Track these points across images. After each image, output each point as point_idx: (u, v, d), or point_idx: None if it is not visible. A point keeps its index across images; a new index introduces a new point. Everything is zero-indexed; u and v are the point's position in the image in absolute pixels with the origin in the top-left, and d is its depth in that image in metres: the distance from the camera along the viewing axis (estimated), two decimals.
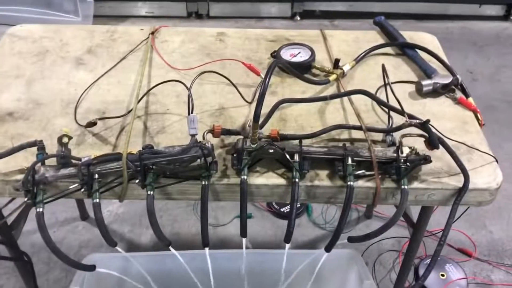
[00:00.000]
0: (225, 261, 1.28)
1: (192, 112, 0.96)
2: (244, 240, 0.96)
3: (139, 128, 1.04)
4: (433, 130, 0.95)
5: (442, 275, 1.65)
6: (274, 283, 1.19)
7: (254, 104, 1.10)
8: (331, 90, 1.17)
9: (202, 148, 0.92)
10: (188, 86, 0.99)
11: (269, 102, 1.11)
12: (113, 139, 1.02)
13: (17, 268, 1.28)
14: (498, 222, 1.89)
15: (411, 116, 0.97)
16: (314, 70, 1.21)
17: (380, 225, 0.93)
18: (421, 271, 1.66)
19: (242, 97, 1.11)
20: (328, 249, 0.96)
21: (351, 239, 0.97)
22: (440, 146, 0.94)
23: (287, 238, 0.94)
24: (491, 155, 1.00)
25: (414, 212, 1.18)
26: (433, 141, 0.93)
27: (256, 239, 1.82)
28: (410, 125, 0.95)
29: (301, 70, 1.20)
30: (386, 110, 1.07)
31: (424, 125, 0.93)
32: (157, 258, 1.33)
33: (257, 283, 1.26)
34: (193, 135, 0.95)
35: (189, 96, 0.97)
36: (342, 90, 1.15)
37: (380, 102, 0.99)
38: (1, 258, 1.16)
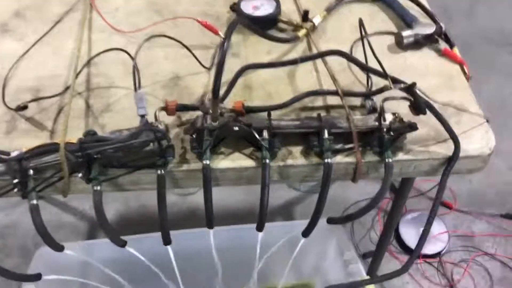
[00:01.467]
0: (193, 240, 1.17)
1: (139, 88, 0.82)
2: (211, 232, 0.85)
3: (80, 108, 0.89)
4: (418, 92, 0.83)
5: None
6: (249, 259, 1.10)
7: (213, 70, 0.96)
8: (300, 47, 1.03)
9: (154, 131, 0.78)
10: (133, 55, 0.84)
11: (230, 66, 0.96)
12: (50, 123, 0.86)
13: None
14: None
15: (394, 79, 0.84)
16: (280, 24, 1.06)
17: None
18: (401, 229, 1.61)
19: (200, 62, 0.96)
20: (305, 234, 0.86)
21: (330, 220, 0.87)
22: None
23: (260, 226, 0.83)
24: (482, 116, 0.89)
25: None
26: (420, 107, 0.81)
27: (225, 206, 1.72)
28: (392, 89, 0.83)
29: (266, 25, 1.05)
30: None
31: (409, 90, 0.80)
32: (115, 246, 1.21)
33: (229, 261, 1.17)
34: (142, 116, 0.81)
35: (135, 68, 0.82)
36: (313, 48, 1.01)
37: (359, 64, 0.86)
38: None
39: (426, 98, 0.84)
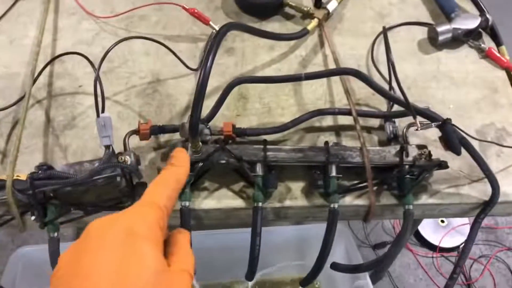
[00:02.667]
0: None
1: (103, 111, 0.66)
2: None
3: (38, 123, 0.73)
4: (454, 125, 0.66)
5: (442, 221, 1.46)
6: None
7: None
8: (310, 42, 0.84)
9: (121, 167, 0.63)
10: (95, 61, 0.67)
11: (223, 67, 0.80)
12: (2, 142, 0.72)
13: None
14: None
15: (422, 113, 0.66)
16: (287, 9, 0.87)
17: None
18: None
19: (185, 64, 0.78)
20: (304, 284, 0.73)
21: (335, 267, 0.73)
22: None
23: (250, 276, 0.70)
24: None
25: None
26: (454, 147, 0.64)
27: None
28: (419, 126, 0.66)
29: (270, 11, 0.86)
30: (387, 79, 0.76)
31: (443, 127, 0.63)
32: None
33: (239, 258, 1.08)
34: (107, 147, 0.65)
35: (97, 83, 0.65)
36: (326, 43, 0.83)
37: (377, 90, 0.67)
38: None
39: (463, 133, 0.67)
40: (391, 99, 0.70)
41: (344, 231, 1.12)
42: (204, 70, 0.57)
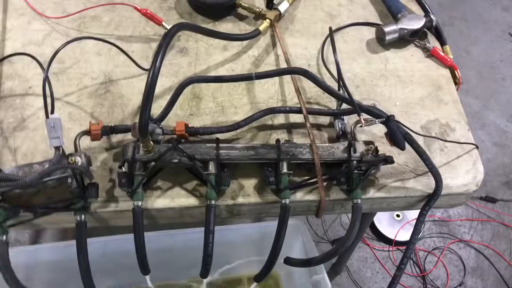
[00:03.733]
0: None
1: (52, 112, 0.65)
2: (147, 278, 0.72)
3: None
4: (398, 122, 0.69)
5: (398, 216, 1.51)
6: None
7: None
8: (263, 42, 0.85)
9: (72, 168, 0.63)
10: (46, 62, 0.66)
11: (176, 67, 0.80)
12: None
13: None
14: None
15: (368, 111, 0.68)
16: (240, 10, 0.88)
17: None
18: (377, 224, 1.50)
19: (138, 65, 0.79)
20: (258, 279, 0.74)
21: (288, 262, 0.75)
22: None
23: (204, 274, 0.70)
24: (471, 143, 0.76)
25: None
26: (398, 142, 0.67)
27: None
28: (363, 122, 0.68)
29: (223, 12, 0.87)
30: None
31: (387, 123, 0.66)
32: (63, 247, 1.09)
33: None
34: (57, 148, 0.65)
35: (45, 84, 0.65)
36: (278, 43, 0.84)
37: (324, 89, 0.69)
38: None
39: (406, 128, 0.70)
40: (338, 98, 0.72)
41: (301, 226, 1.14)
42: (153, 69, 0.58)
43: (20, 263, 1.06)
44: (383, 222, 1.49)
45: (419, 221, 0.73)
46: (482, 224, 1.55)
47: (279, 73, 0.75)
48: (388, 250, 1.47)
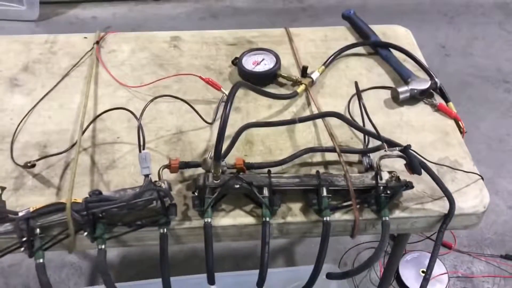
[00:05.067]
0: (197, 286, 1.19)
1: (143, 148, 0.85)
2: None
3: (85, 164, 0.92)
4: (414, 151, 0.86)
5: (423, 272, 1.60)
6: None
7: (215, 125, 1.00)
8: (299, 102, 1.06)
9: (158, 190, 0.80)
10: (138, 115, 0.87)
11: (232, 121, 1.00)
12: (57, 179, 0.89)
13: None
14: None
15: (389, 142, 0.87)
16: (280, 79, 1.10)
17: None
18: (401, 269, 1.61)
19: (202, 118, 0.99)
20: None
21: (330, 276, 0.89)
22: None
23: (260, 283, 0.84)
24: (477, 174, 0.92)
25: None
26: (415, 168, 0.84)
27: (228, 244, 1.72)
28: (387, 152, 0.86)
29: (266, 80, 1.09)
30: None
31: (405, 152, 0.83)
32: None
33: None
34: (146, 175, 0.83)
35: (140, 128, 0.85)
36: (312, 103, 1.05)
37: (354, 126, 0.89)
38: None
39: (421, 158, 0.87)
40: (366, 133, 0.90)
41: (335, 269, 1.26)
42: (225, 110, 0.77)
43: None
44: (410, 278, 1.59)
45: (438, 237, 0.86)
46: (505, 280, 1.63)
47: (318, 116, 0.95)
48: None
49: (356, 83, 0.94)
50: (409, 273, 1.60)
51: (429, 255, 0.84)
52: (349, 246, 1.70)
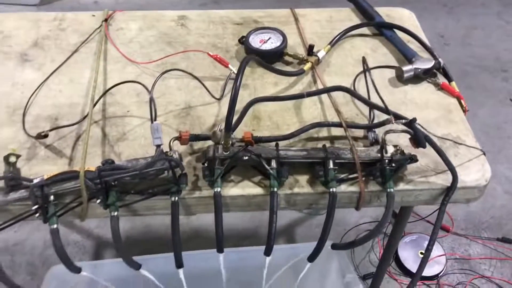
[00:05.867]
0: (201, 262, 1.21)
1: (155, 119, 0.86)
2: (221, 256, 0.89)
3: (96, 136, 0.93)
4: (418, 127, 0.88)
5: (421, 253, 1.63)
6: (254, 280, 1.14)
7: (223, 101, 1.02)
8: (306, 80, 1.08)
9: (169, 160, 0.82)
10: (150, 86, 0.89)
11: (239, 97, 1.01)
12: (69, 150, 0.91)
13: None
14: None
15: (395, 115, 0.89)
16: (286, 58, 1.11)
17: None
18: (400, 251, 1.65)
19: (210, 93, 1.01)
20: (311, 259, 0.90)
21: (335, 246, 0.92)
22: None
23: (267, 251, 0.87)
24: (479, 149, 0.94)
25: None
26: (420, 141, 0.86)
27: (231, 226, 1.76)
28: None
29: (273, 58, 1.11)
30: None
31: (410, 125, 0.85)
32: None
33: (236, 281, 1.20)
34: (158, 146, 0.85)
35: (151, 100, 0.87)
36: (318, 80, 1.07)
37: (362, 100, 0.91)
38: None
39: (426, 132, 0.89)
40: (372, 105, 0.92)
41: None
42: (237, 80, 0.79)
43: (84, 278, 1.20)
44: (409, 259, 1.62)
45: (441, 209, 0.89)
46: (501, 262, 1.66)
47: (325, 90, 0.97)
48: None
49: (363, 58, 0.95)
50: (408, 255, 1.63)
51: (428, 237, 0.87)
52: (349, 227, 1.73)
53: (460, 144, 0.94)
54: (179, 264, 0.86)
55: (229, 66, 1.06)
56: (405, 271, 1.61)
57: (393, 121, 0.85)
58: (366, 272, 1.61)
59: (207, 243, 1.39)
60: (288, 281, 1.23)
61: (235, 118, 0.92)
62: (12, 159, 0.82)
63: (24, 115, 0.96)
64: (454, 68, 1.07)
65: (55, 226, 0.81)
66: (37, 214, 0.81)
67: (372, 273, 1.51)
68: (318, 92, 0.94)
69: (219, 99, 1.02)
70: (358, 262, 1.64)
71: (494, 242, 1.72)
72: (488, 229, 1.78)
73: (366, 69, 0.95)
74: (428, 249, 0.89)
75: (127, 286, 1.17)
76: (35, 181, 0.81)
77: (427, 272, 1.60)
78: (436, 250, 1.65)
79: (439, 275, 1.61)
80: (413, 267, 1.60)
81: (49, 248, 1.66)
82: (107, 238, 1.71)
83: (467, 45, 2.63)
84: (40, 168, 0.88)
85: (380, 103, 0.93)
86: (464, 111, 1.04)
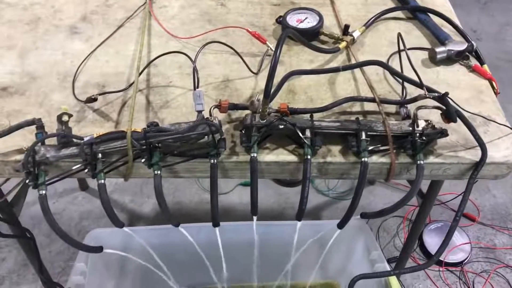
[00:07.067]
0: (231, 233, 1.26)
1: (197, 87, 0.91)
2: (254, 218, 0.94)
3: (141, 103, 0.99)
4: (451, 99, 0.91)
5: None
6: (281, 254, 1.18)
7: (260, 75, 1.06)
8: (340, 58, 1.11)
9: (209, 125, 0.87)
10: (192, 58, 0.94)
11: (276, 72, 1.06)
12: (115, 115, 0.97)
13: (20, 244, 1.26)
14: (501, 186, 1.88)
15: (428, 89, 0.92)
16: (322, 37, 1.15)
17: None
18: (425, 237, 1.67)
19: (248, 68, 1.06)
20: (341, 225, 0.94)
21: (364, 215, 0.95)
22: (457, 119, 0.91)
23: (299, 216, 0.91)
24: (509, 127, 0.96)
25: (423, 182, 1.15)
26: (451, 115, 0.89)
27: (259, 207, 1.79)
28: (426, 97, 0.91)
29: (309, 37, 1.14)
30: (399, 80, 1.03)
31: (442, 98, 0.88)
32: (162, 232, 1.31)
33: (263, 255, 1.25)
34: (199, 111, 0.90)
35: (194, 69, 0.92)
36: (352, 59, 1.10)
37: (396, 74, 0.94)
38: (3, 236, 1.13)
39: (457, 108, 0.92)
40: (407, 80, 0.96)
41: (363, 225, 1.32)
42: (277, 50, 0.83)
43: (118, 243, 1.26)
44: (434, 245, 1.64)
45: (470, 183, 0.91)
46: None
47: (361, 64, 1.00)
48: (439, 271, 1.61)
49: (399, 34, 0.98)
50: (432, 241, 1.65)
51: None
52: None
53: (491, 121, 0.96)
54: (216, 222, 0.91)
55: (267, 42, 1.10)
56: (430, 258, 1.62)
57: (426, 94, 0.88)
58: (390, 256, 1.64)
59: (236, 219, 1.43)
60: (314, 256, 1.27)
61: (271, 90, 0.96)
62: (65, 118, 0.89)
63: (73, 81, 1.03)
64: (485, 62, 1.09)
65: (102, 181, 0.86)
66: (86, 170, 0.88)
67: (396, 257, 1.53)
68: (353, 66, 0.98)
69: (256, 74, 1.06)
70: (383, 247, 1.67)
71: None
72: None
73: (401, 46, 0.98)
74: (456, 220, 0.92)
75: (163, 253, 1.21)
76: (85, 139, 0.87)
77: (452, 258, 1.61)
78: (461, 238, 1.67)
79: (464, 263, 1.62)
80: None
81: (84, 219, 1.74)
82: (140, 212, 1.78)
83: (500, 40, 2.61)
84: (88, 129, 0.94)
85: (414, 79, 0.96)
86: (496, 93, 1.06)
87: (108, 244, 1.27)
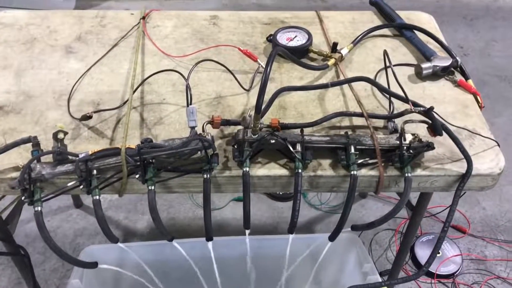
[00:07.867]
0: (225, 248, 1.27)
1: (191, 103, 0.94)
2: (247, 232, 0.95)
3: (135, 120, 1.01)
4: (436, 113, 0.94)
5: (438, 253, 1.67)
6: (274, 268, 1.19)
7: (251, 92, 1.09)
8: (329, 75, 1.15)
9: (202, 140, 0.89)
10: (185, 76, 0.97)
11: (267, 89, 1.08)
12: (110, 132, 0.99)
13: (14, 262, 1.26)
14: (491, 198, 1.91)
15: (414, 103, 0.95)
16: (311, 54, 1.19)
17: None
18: (417, 250, 1.69)
19: (240, 85, 1.09)
20: (332, 238, 0.96)
21: (355, 227, 0.97)
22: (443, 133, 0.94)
23: (291, 229, 0.93)
24: (493, 140, 0.99)
25: (413, 195, 1.18)
26: (437, 128, 0.92)
27: (252, 222, 1.81)
28: (412, 111, 0.94)
29: (299, 55, 1.18)
30: (387, 95, 1.06)
31: (428, 112, 0.91)
32: (156, 247, 1.32)
33: (257, 268, 1.26)
34: (192, 127, 0.93)
35: (187, 87, 0.94)
36: (341, 75, 1.13)
37: (383, 90, 0.98)
38: None
39: (443, 121, 0.95)
40: (393, 95, 0.99)
41: (355, 239, 1.34)
42: (266, 68, 0.86)
43: (113, 258, 1.26)
44: (425, 258, 1.65)
45: (456, 195, 0.94)
46: None
47: (348, 81, 1.03)
48: (431, 283, 1.62)
49: (385, 51, 1.02)
50: (424, 253, 1.67)
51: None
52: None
53: (476, 134, 0.99)
54: (209, 236, 0.92)
55: (258, 60, 1.13)
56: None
57: (412, 108, 0.91)
58: (383, 269, 1.65)
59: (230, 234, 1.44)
60: (307, 269, 1.28)
61: (263, 106, 0.99)
62: (60, 135, 0.90)
63: (69, 100, 1.05)
64: (472, 77, 1.13)
65: (97, 197, 0.88)
66: (81, 186, 0.89)
67: (389, 270, 1.55)
68: (342, 82, 1.01)
69: (248, 90, 1.09)
70: (375, 260, 1.68)
71: (510, 244, 1.74)
72: (504, 232, 1.80)
73: (387, 62, 1.01)
74: (444, 230, 0.94)
75: (158, 269, 1.22)
76: (80, 156, 0.89)
77: (443, 270, 1.63)
78: (452, 250, 1.69)
79: (455, 274, 1.64)
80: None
81: (79, 237, 1.74)
82: (134, 229, 1.79)
83: (486, 56, 2.67)
84: (83, 147, 0.96)
85: (400, 94, 0.99)
86: (480, 107, 1.09)
87: (103, 260, 1.26)
